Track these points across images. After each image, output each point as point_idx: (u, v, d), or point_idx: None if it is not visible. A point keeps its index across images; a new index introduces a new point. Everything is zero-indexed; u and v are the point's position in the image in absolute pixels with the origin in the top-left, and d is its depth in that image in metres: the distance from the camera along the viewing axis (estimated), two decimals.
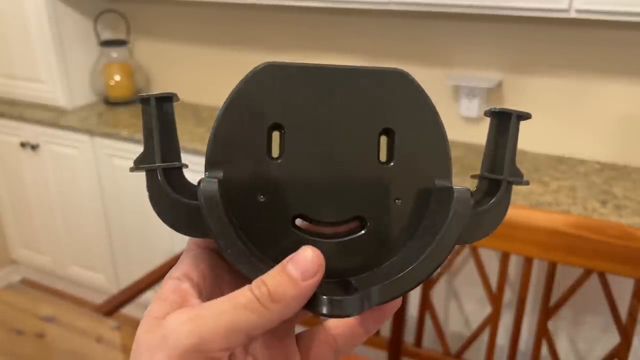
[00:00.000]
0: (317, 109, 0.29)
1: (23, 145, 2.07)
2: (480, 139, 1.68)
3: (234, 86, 0.28)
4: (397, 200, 0.30)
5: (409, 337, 1.33)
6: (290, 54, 1.90)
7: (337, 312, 0.27)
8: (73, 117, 1.98)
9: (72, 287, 2.30)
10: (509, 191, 0.30)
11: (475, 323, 1.43)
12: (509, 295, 1.42)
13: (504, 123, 0.29)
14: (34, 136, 2.04)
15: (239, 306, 0.25)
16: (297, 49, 1.89)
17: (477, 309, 1.48)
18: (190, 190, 0.28)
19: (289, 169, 0.29)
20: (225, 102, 0.28)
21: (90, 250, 2.13)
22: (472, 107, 1.64)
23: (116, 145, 1.86)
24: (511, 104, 1.62)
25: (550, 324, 1.20)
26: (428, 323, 1.35)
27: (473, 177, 0.31)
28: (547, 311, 1.14)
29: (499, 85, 1.62)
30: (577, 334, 1.41)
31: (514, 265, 1.37)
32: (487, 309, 1.24)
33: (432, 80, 1.70)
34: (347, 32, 1.79)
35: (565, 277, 1.24)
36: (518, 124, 0.29)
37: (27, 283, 2.41)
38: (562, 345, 1.42)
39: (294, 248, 0.27)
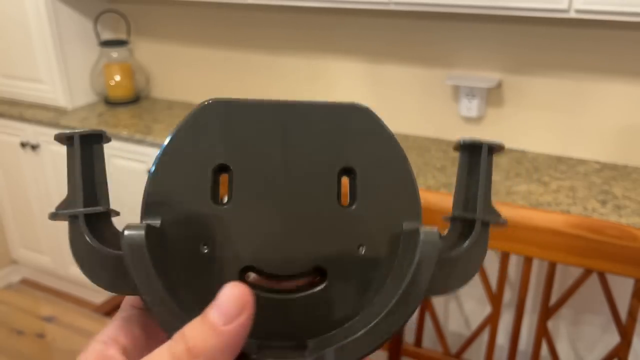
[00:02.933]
0: (268, 148, 0.26)
1: (23, 145, 2.07)
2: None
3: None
4: (360, 247, 0.26)
5: (409, 337, 1.33)
6: (290, 54, 1.90)
7: None
8: (73, 117, 1.98)
9: (72, 287, 2.30)
10: (485, 232, 0.26)
11: (475, 323, 1.43)
12: (509, 295, 1.42)
13: (476, 155, 0.26)
14: (34, 136, 2.04)
15: None
16: (297, 50, 1.89)
17: (477, 309, 1.48)
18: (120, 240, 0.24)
19: (236, 215, 0.25)
20: (165, 141, 0.26)
21: None
22: (472, 107, 1.64)
23: (116, 145, 1.86)
24: (511, 104, 1.62)
25: (550, 324, 1.20)
26: (428, 323, 1.35)
27: (445, 219, 0.27)
28: (547, 311, 1.14)
29: (499, 85, 1.62)
30: (577, 334, 1.41)
31: (514, 265, 1.37)
32: (487, 309, 1.24)
33: (432, 81, 1.70)
34: (347, 33, 1.79)
35: (565, 277, 1.24)
36: (491, 156, 0.26)
37: (27, 283, 2.41)
38: (562, 345, 1.42)
39: None
